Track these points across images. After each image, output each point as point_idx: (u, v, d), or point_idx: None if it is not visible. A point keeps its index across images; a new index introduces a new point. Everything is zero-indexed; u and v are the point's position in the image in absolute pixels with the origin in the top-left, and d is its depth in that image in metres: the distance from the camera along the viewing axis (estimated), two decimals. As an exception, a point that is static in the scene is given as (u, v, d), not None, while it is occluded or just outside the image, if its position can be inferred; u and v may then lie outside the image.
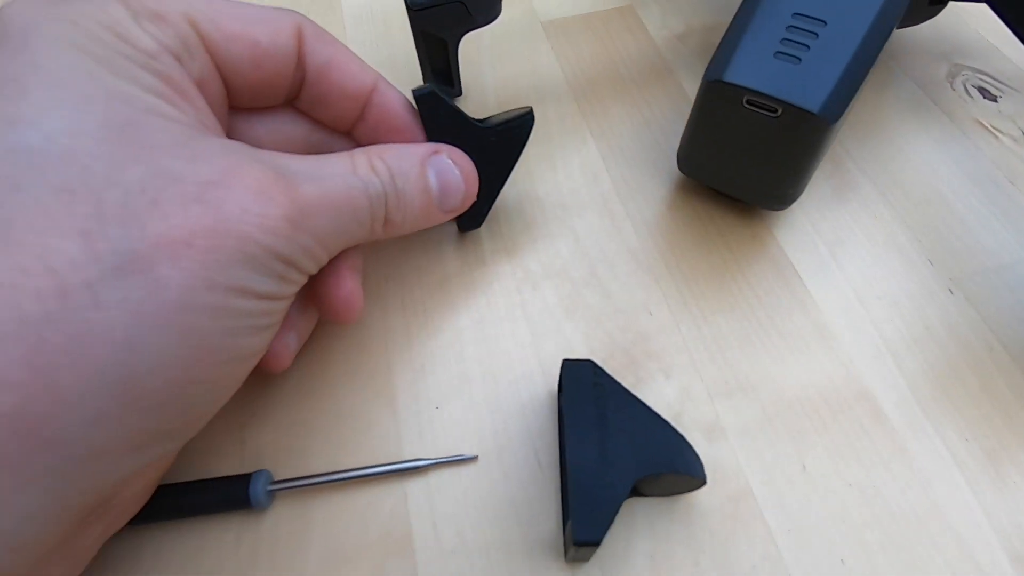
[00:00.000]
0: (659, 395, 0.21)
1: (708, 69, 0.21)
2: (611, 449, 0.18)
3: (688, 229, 0.25)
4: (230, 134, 0.19)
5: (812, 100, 0.20)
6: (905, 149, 0.27)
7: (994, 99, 0.29)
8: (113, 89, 0.14)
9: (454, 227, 0.26)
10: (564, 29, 0.34)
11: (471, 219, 0.24)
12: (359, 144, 0.21)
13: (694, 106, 0.23)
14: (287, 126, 0.21)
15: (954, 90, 0.30)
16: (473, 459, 0.20)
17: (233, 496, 0.19)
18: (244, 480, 0.19)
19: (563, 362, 0.20)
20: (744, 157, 0.23)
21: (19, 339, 0.12)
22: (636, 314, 0.23)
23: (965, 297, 0.23)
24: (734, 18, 0.23)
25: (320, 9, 0.35)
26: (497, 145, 0.23)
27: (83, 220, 0.13)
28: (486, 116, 0.23)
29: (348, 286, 0.19)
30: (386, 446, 0.21)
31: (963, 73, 0.30)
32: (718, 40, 0.33)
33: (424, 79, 0.29)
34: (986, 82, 0.30)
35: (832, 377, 0.21)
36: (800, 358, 0.22)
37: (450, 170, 0.21)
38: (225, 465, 0.20)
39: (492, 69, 0.32)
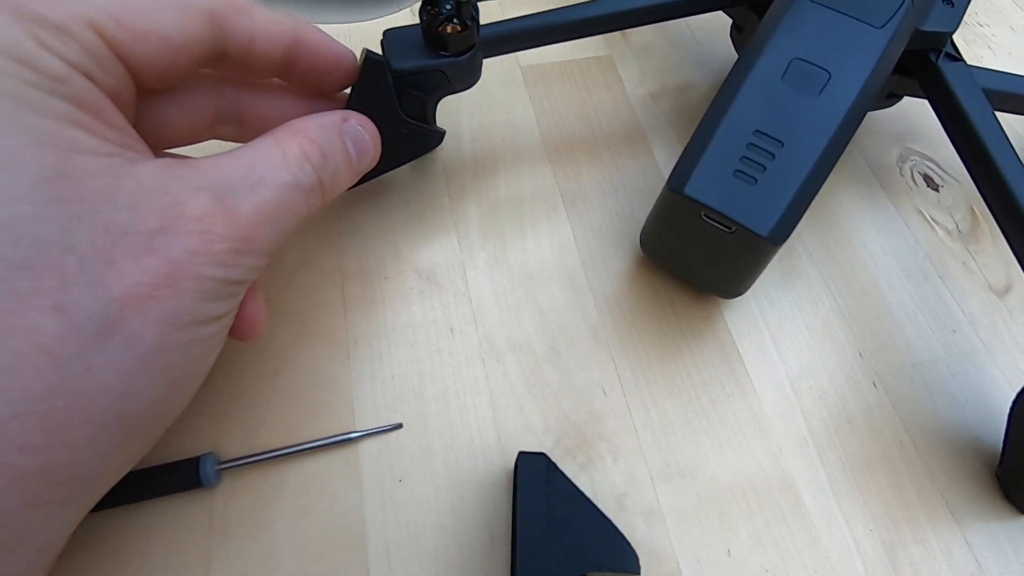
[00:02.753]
0: (606, 477, 0.23)
1: (672, 176, 0.23)
2: (557, 543, 0.20)
3: (646, 307, 0.27)
4: (139, 121, 0.19)
5: (762, 224, 0.21)
6: (852, 238, 0.29)
7: (936, 188, 0.31)
8: (34, 132, 0.14)
9: (423, 288, 0.27)
10: (543, 76, 0.34)
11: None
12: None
13: (657, 203, 0.24)
14: (193, 100, 0.20)
15: (902, 176, 0.32)
16: (399, 427, 0.24)
17: (187, 477, 0.21)
18: (194, 462, 0.22)
19: (519, 455, 0.21)
20: (700, 254, 0.24)
21: (32, 411, 0.14)
22: (591, 393, 0.25)
23: (886, 391, 0.26)
24: (701, 122, 0.24)
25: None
26: (404, 138, 0.25)
27: (52, 294, 0.14)
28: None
29: (250, 308, 0.20)
30: (348, 515, 0.22)
31: (912, 158, 0.32)
32: (690, 102, 0.35)
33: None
34: (932, 170, 0.32)
35: (762, 465, 0.24)
36: (736, 446, 0.24)
37: (361, 135, 0.22)
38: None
39: (469, 117, 0.32)
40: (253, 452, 0.23)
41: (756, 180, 0.22)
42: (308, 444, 0.23)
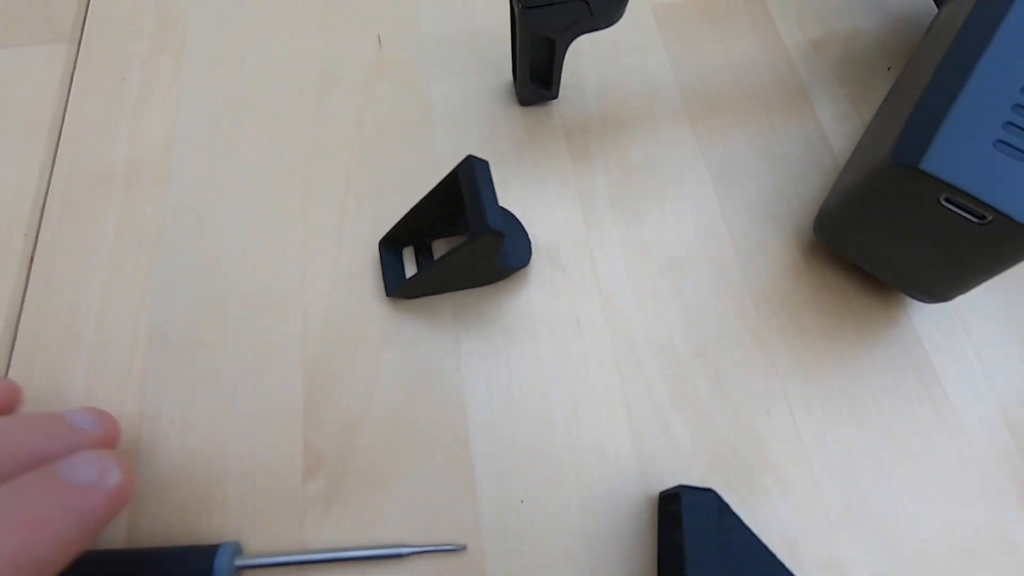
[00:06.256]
0: (773, 515, 0.19)
1: (899, 144, 0.17)
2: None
3: (816, 307, 0.22)
4: None
5: (1038, 215, 0.16)
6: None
7: None
8: None
9: (544, 269, 0.22)
10: (679, 17, 0.29)
11: None
12: None
13: (862, 181, 0.19)
14: None
15: None
16: (462, 549, 0.18)
17: (196, 568, 0.17)
18: (210, 552, 0.17)
19: (682, 488, 0.17)
20: (913, 246, 0.19)
21: None
22: (752, 411, 0.20)
23: None
24: (918, 75, 0.18)
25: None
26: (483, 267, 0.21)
27: None
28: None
29: None
30: (464, 543, 0.19)
31: None
32: (862, 51, 0.29)
33: (516, 74, 0.25)
34: None
35: (976, 521, 0.19)
36: (939, 492, 0.19)
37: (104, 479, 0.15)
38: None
39: (593, 66, 0.27)
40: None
41: (1028, 155, 0.16)
42: (352, 553, 0.18)
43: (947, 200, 0.17)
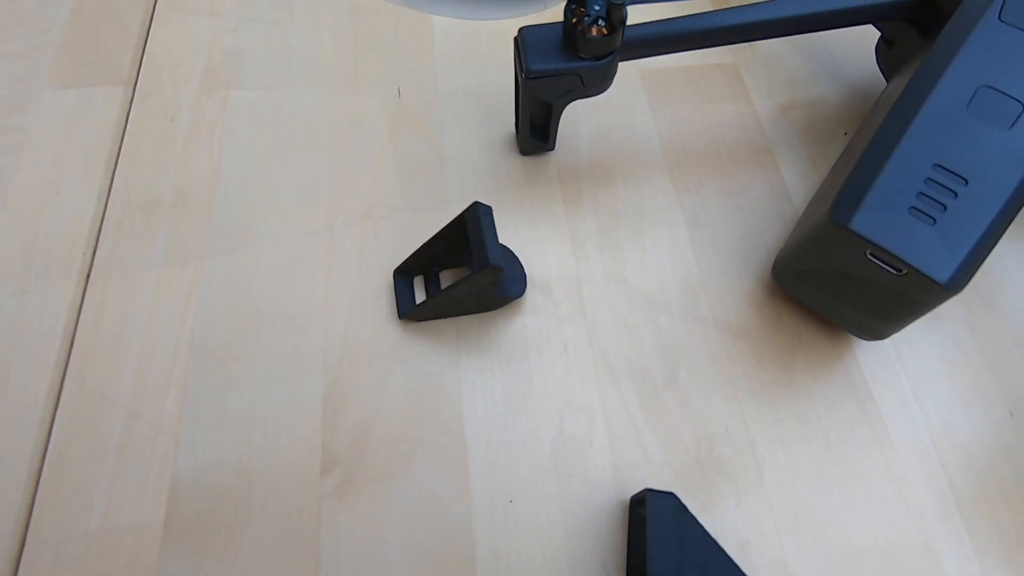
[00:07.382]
0: (728, 521, 0.22)
1: (834, 207, 0.21)
2: (688, 592, 0.18)
3: (772, 339, 0.25)
4: None
5: (941, 270, 0.19)
6: (1007, 284, 0.27)
7: (1102, 234, 0.28)
8: None
9: (537, 299, 0.26)
10: (662, 81, 0.33)
11: None
12: None
13: (808, 233, 0.22)
14: None
15: (1062, 217, 0.29)
16: None
17: None
18: None
19: (647, 492, 0.20)
20: (850, 292, 0.22)
21: None
22: (714, 428, 0.23)
23: (1042, 458, 0.23)
24: (858, 147, 0.22)
25: (411, 26, 0.33)
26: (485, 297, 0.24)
27: None
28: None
29: None
30: (457, 535, 0.21)
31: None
32: (821, 117, 0.32)
33: (518, 128, 0.29)
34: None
35: (901, 530, 0.22)
36: (872, 504, 0.22)
37: None
38: (305, 535, 0.21)
39: (586, 119, 0.31)
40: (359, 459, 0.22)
41: (935, 220, 0.20)
42: None
43: (872, 255, 0.20)
